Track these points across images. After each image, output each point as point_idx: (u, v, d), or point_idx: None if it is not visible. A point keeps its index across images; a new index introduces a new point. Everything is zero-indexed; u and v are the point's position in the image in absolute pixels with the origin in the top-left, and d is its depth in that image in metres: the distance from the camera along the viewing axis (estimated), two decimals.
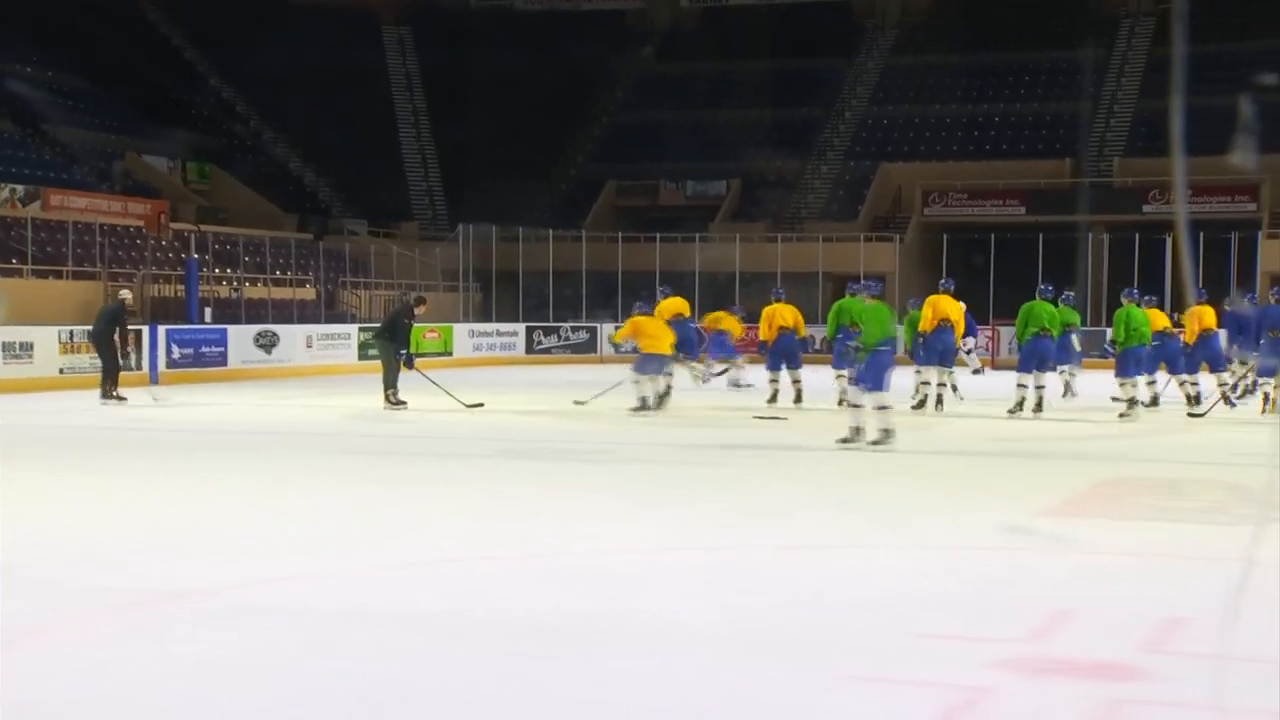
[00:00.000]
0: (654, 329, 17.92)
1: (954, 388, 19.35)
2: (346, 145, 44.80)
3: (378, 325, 22.27)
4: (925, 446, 14.51)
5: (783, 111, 45.99)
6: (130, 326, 19.98)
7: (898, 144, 45.40)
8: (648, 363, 17.79)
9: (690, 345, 20.97)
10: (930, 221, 40.89)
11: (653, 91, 48.53)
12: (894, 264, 38.15)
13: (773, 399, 19.12)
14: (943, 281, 19.91)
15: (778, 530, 8.89)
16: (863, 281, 16.65)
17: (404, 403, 18.07)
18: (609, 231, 40.71)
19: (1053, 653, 5.64)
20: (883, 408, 13.72)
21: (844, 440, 13.70)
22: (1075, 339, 19.89)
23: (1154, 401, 18.80)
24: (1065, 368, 19.68)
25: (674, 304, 21.04)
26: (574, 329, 35.53)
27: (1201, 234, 33.06)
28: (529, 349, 34.86)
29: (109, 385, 19.04)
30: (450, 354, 31.70)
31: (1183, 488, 10.89)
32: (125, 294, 20.17)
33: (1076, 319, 20.22)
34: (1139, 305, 17.84)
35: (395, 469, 12.09)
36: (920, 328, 18.77)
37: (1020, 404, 17.73)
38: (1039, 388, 17.84)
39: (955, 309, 18.78)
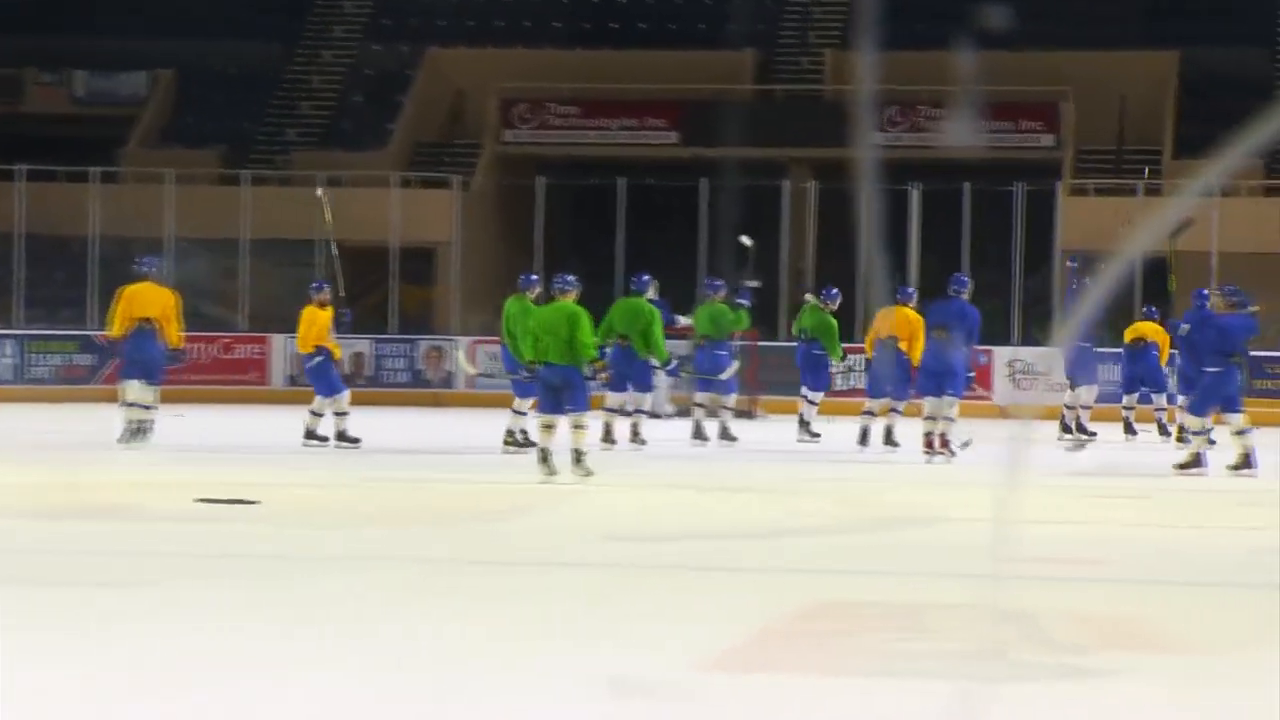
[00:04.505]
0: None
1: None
2: None
3: None
4: (542, 552, 14.60)
5: None
6: None
7: (456, 18, 45.97)
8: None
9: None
10: (515, 153, 42.05)
11: None
12: (451, 227, 38.63)
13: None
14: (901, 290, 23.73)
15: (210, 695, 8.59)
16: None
17: None
18: None
19: None
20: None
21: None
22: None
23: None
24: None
25: None
26: None
27: (967, 185, 34.46)
28: None
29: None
30: None
31: (930, 617, 11.23)
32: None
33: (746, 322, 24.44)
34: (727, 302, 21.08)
35: None
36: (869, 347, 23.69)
37: (609, 435, 20.86)
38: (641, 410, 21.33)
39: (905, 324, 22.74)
